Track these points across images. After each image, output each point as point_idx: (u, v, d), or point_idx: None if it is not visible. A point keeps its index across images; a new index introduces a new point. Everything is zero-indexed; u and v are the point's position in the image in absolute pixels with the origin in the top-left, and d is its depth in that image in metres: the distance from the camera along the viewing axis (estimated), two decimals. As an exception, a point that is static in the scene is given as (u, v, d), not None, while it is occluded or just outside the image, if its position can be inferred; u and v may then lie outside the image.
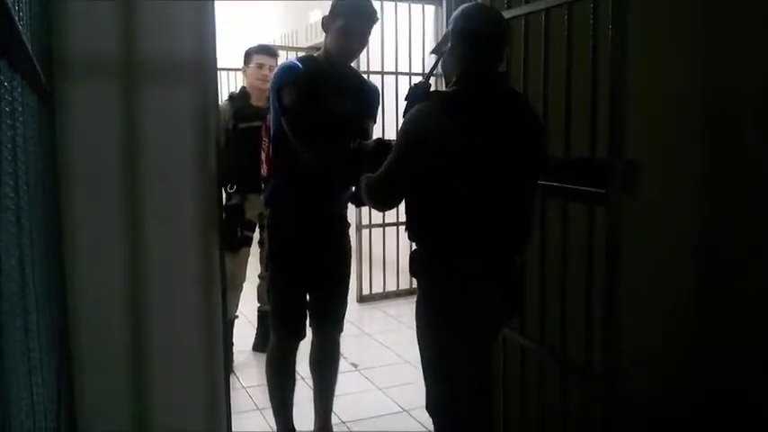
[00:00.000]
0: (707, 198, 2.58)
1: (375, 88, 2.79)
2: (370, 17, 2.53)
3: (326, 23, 2.54)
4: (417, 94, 2.04)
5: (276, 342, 2.74)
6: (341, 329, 2.84)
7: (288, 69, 2.51)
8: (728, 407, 2.50)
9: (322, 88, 2.50)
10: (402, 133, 1.96)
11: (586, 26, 2.13)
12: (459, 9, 2.05)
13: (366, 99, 2.69)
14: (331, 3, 2.55)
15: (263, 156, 2.69)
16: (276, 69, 2.65)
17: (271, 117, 2.58)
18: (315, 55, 2.67)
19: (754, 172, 2.45)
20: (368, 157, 2.22)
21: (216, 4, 2.20)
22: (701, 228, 2.60)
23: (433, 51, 2.20)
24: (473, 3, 2.37)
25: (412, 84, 2.19)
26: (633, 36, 2.05)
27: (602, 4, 2.06)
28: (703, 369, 2.56)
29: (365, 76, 5.00)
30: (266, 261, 2.69)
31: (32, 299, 0.99)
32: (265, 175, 2.68)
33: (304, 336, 2.74)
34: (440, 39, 2.09)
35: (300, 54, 6.23)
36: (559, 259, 2.31)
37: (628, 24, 2.00)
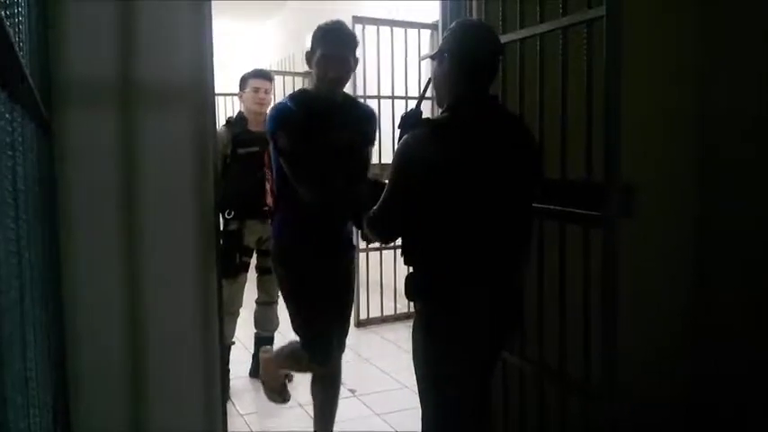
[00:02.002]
0: (701, 215, 2.60)
1: (371, 112, 2.80)
2: (348, 41, 2.54)
3: (309, 57, 2.56)
4: (409, 122, 2.03)
5: (306, 362, 2.73)
6: (343, 350, 2.87)
7: (279, 112, 2.51)
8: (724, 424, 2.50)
9: (317, 124, 2.50)
10: (394, 163, 1.95)
11: (581, 50, 2.15)
12: (455, 26, 2.03)
13: (364, 125, 2.70)
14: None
15: (268, 188, 2.70)
16: (269, 113, 2.65)
17: (272, 151, 2.59)
18: (307, 89, 2.67)
19: (748, 188, 2.47)
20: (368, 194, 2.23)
21: (213, 29, 2.22)
22: (697, 244, 2.62)
23: (428, 57, 2.21)
24: (468, 20, 2.35)
25: (403, 112, 2.18)
26: (627, 58, 2.07)
27: (595, 28, 2.08)
28: (699, 386, 2.57)
29: (361, 100, 5.08)
30: (285, 299, 2.70)
31: (31, 330, 0.98)
32: (272, 208, 2.69)
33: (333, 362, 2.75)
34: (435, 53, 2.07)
35: (298, 79, 6.28)
36: (557, 281, 2.30)
37: (622, 47, 2.02)
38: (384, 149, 4.78)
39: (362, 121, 2.70)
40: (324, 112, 2.54)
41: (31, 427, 0.97)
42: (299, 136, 2.44)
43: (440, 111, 2.08)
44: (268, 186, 2.70)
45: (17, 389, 0.79)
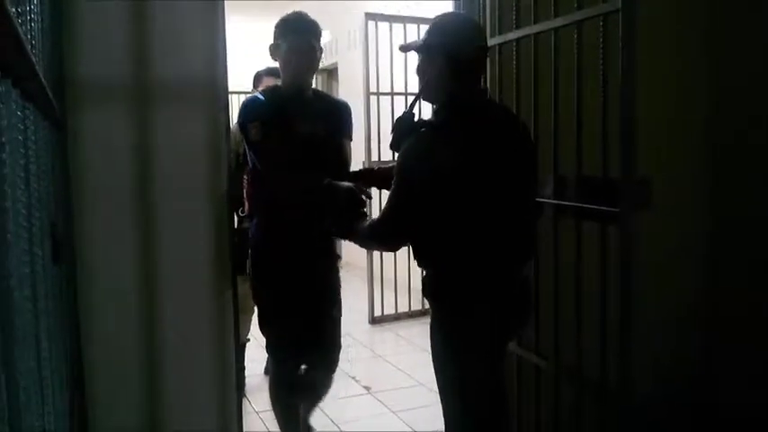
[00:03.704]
0: (713, 212, 2.57)
1: (345, 105, 2.72)
2: (310, 32, 2.48)
3: (273, 50, 2.51)
4: (404, 126, 2.01)
5: (275, 369, 2.75)
6: (333, 370, 2.79)
7: (248, 105, 2.47)
8: (734, 414, 2.47)
9: (287, 117, 2.46)
10: (399, 171, 1.92)
11: (595, 44, 2.13)
12: (445, 21, 2.00)
13: (337, 119, 2.63)
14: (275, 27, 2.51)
15: (244, 192, 2.66)
16: (240, 106, 2.59)
17: (245, 147, 2.56)
18: (278, 84, 2.62)
19: (759, 184, 2.44)
20: (339, 197, 2.21)
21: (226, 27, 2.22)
22: (708, 241, 2.59)
23: (404, 48, 2.18)
24: (453, 14, 2.29)
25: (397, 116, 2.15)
26: (641, 55, 2.05)
27: (610, 23, 2.06)
28: (712, 385, 2.54)
29: (374, 97, 5.07)
30: (253, 295, 2.68)
31: (45, 327, 0.98)
32: (247, 211, 2.65)
33: (302, 361, 2.72)
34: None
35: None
36: (573, 278, 2.29)
37: (637, 40, 2.00)
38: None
39: (337, 115, 2.63)
40: (294, 105, 2.49)
41: (46, 425, 0.97)
42: (269, 126, 2.41)
43: (433, 107, 2.05)
44: (245, 192, 2.65)
45: (31, 387, 0.79)
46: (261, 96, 2.51)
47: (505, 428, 2.14)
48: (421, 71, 2.04)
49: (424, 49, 2.00)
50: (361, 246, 2.22)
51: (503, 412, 2.10)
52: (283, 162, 2.43)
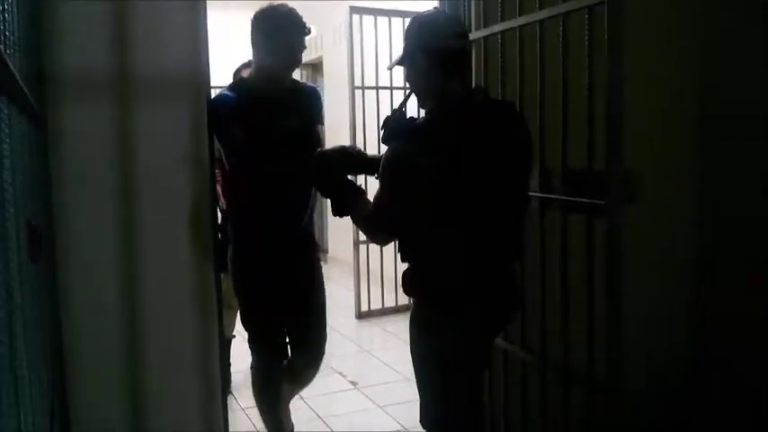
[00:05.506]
0: (705, 206, 2.57)
1: (313, 89, 2.70)
2: (298, 27, 2.44)
3: (253, 39, 2.45)
4: (394, 123, 1.98)
5: (257, 364, 2.74)
6: (319, 359, 2.80)
7: (217, 103, 2.39)
8: (727, 412, 2.48)
9: (258, 111, 2.41)
10: (386, 171, 1.89)
11: (582, 36, 2.12)
12: (419, 22, 1.98)
13: (308, 104, 2.61)
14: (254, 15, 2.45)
15: (219, 189, 2.61)
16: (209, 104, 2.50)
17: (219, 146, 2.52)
18: (245, 77, 2.57)
19: (751, 177, 2.44)
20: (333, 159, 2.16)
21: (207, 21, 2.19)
22: (700, 236, 2.59)
23: (390, 67, 2.17)
24: (432, 13, 2.28)
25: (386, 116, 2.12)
26: (629, 45, 2.04)
27: (597, 15, 2.05)
28: (704, 376, 2.55)
29: (359, 91, 5.05)
30: (235, 292, 2.67)
31: (20, 323, 0.96)
32: (226, 209, 2.62)
33: (285, 356, 2.72)
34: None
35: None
36: (559, 271, 2.28)
37: (624, 33, 1.99)
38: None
39: (306, 101, 2.61)
40: (265, 98, 2.44)
41: (23, 426, 0.95)
42: (241, 123, 2.37)
43: (424, 111, 2.04)
44: (219, 187, 2.61)
45: (3, 387, 0.77)
46: (229, 93, 2.45)
47: (482, 421, 2.13)
48: (409, 79, 2.03)
49: (405, 57, 1.99)
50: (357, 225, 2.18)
51: (477, 408, 2.09)
52: (264, 157, 2.40)
